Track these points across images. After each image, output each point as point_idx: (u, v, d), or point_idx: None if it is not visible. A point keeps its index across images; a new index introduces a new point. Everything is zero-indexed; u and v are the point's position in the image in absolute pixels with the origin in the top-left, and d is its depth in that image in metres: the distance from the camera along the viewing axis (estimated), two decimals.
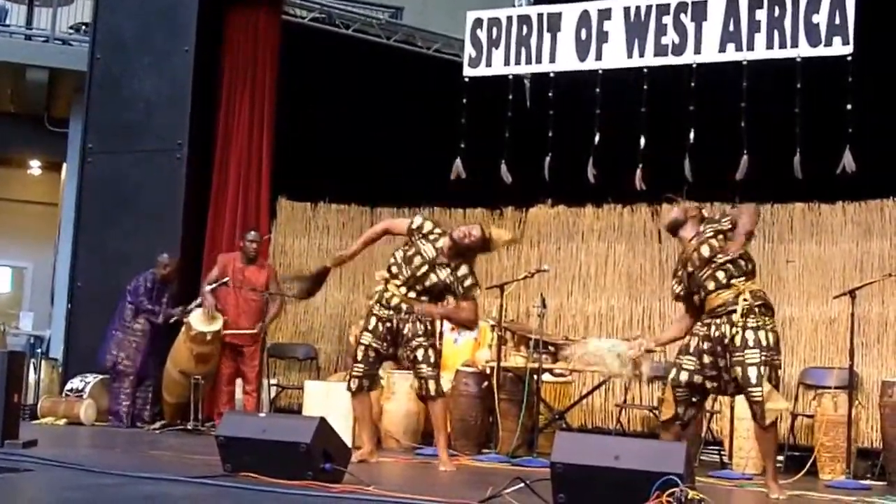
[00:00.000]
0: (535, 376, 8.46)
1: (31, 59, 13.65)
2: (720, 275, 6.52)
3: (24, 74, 13.67)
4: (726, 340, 6.44)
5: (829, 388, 8.48)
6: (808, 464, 8.06)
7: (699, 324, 6.62)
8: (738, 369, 6.39)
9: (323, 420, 5.97)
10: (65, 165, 14.60)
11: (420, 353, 7.39)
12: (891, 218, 9.66)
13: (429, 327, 7.45)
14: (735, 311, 6.44)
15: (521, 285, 9.80)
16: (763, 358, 6.36)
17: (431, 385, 7.42)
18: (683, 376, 6.55)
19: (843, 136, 8.20)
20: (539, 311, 8.59)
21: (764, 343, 6.40)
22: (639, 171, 8.77)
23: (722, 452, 8.75)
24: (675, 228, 6.83)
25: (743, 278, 6.53)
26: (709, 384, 6.57)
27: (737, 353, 6.40)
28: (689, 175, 8.62)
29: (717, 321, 6.50)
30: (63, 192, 14.49)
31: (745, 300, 6.45)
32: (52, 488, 5.41)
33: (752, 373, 6.34)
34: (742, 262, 6.57)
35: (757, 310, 6.46)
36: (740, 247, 6.50)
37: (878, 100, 9.00)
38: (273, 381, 10.53)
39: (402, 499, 5.36)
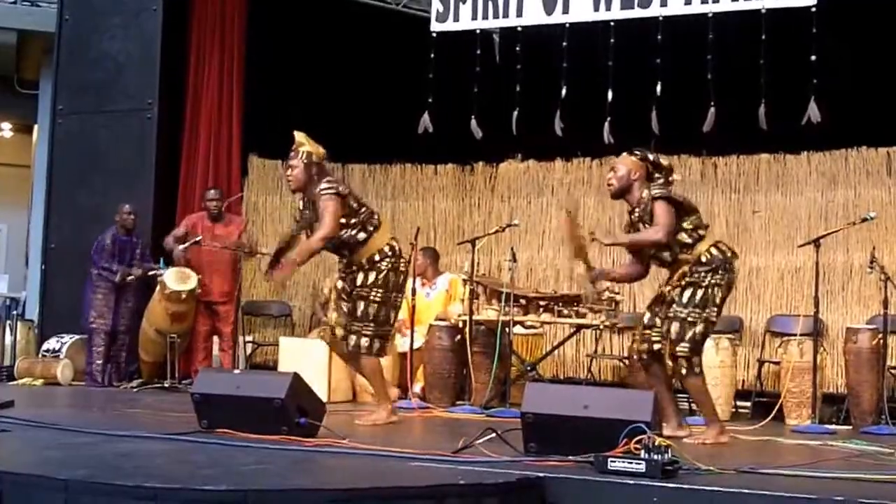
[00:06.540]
0: (507, 329, 8.55)
1: None
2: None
3: None
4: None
5: (795, 335, 8.57)
6: (775, 409, 8.21)
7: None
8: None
9: (296, 375, 6.06)
10: (36, 127, 14.54)
11: (360, 306, 7.02)
12: (855, 167, 9.79)
13: (377, 279, 7.03)
14: None
15: (492, 240, 9.86)
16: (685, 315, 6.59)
17: (363, 342, 7.03)
18: None
19: (807, 88, 8.30)
20: (510, 265, 8.68)
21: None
22: (607, 125, 8.87)
23: (691, 400, 8.86)
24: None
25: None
26: None
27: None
28: (656, 128, 8.73)
29: None
30: (35, 154, 14.43)
31: None
32: (31, 448, 5.48)
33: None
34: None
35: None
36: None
37: (842, 51, 9.11)
38: (248, 339, 10.62)
39: (377, 451, 5.46)
